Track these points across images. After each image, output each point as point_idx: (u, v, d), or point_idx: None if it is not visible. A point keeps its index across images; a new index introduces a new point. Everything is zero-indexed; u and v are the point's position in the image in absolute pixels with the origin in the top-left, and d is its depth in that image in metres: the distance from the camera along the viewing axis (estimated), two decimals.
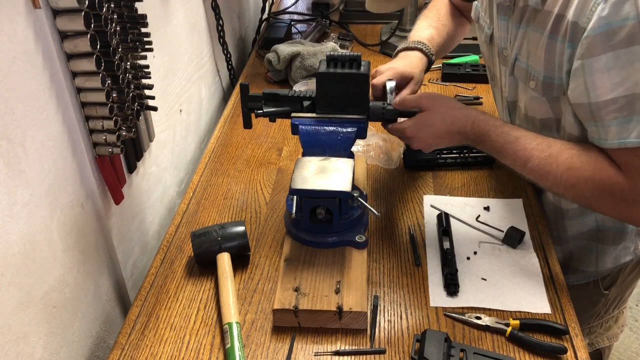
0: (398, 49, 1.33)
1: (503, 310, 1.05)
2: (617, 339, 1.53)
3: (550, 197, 1.31)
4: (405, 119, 1.14)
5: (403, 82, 1.22)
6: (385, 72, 1.22)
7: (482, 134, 1.08)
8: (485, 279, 1.10)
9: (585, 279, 1.38)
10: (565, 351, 0.97)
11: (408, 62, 1.27)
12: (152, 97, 1.21)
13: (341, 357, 0.98)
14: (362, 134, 1.15)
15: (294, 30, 2.15)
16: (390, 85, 1.16)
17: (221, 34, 1.83)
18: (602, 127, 0.99)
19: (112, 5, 1.00)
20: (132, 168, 1.21)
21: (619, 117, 0.96)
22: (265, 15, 2.23)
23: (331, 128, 1.14)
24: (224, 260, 1.11)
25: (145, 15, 1.10)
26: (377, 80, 1.21)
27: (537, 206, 1.28)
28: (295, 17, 2.28)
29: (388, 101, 1.16)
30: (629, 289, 1.46)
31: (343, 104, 1.14)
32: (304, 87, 1.67)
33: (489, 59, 1.35)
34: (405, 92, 1.21)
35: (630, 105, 0.94)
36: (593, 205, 1.04)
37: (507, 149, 1.06)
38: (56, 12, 0.90)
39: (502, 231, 1.20)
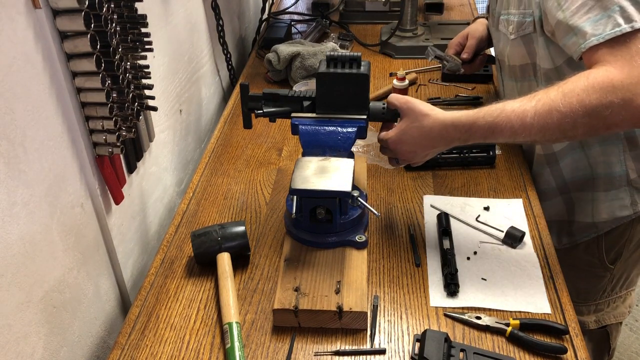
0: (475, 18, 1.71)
1: (503, 310, 1.05)
2: (624, 318, 1.58)
3: (540, 148, 1.39)
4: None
5: (466, 39, 1.60)
6: (457, 36, 1.62)
7: (468, 126, 1.06)
8: (485, 279, 1.10)
9: (587, 235, 1.43)
10: (565, 351, 0.97)
11: (472, 26, 1.63)
12: (152, 97, 1.21)
13: (341, 357, 0.98)
14: (362, 134, 1.15)
15: (294, 30, 2.15)
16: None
17: (221, 34, 1.83)
18: (580, 32, 1.06)
19: (112, 5, 1.00)
20: (132, 168, 1.21)
21: (591, 17, 1.04)
22: (265, 16, 2.23)
23: (331, 128, 1.14)
24: (224, 260, 1.11)
25: (145, 15, 1.10)
26: (452, 42, 1.60)
27: (537, 206, 1.28)
28: (295, 17, 2.28)
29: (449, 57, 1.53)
30: (636, 269, 1.49)
31: (343, 104, 1.14)
32: (304, 87, 1.67)
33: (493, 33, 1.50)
34: (469, 42, 1.57)
35: (599, 4, 1.03)
36: (607, 119, 0.99)
37: (499, 122, 1.03)
38: (56, 12, 0.90)
39: (502, 231, 1.20)
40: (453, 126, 1.07)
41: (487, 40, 1.59)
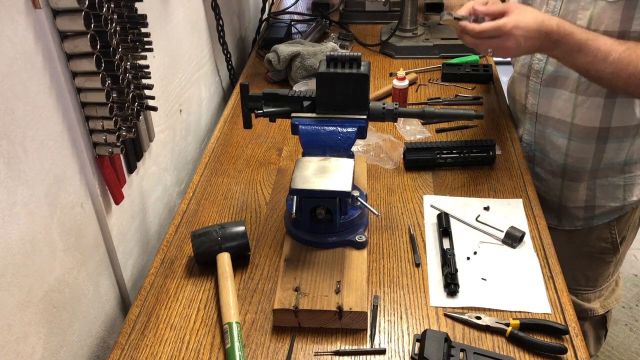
0: None
1: (503, 310, 1.05)
2: (620, 300, 1.65)
3: (598, 121, 1.35)
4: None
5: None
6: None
7: (567, 33, 1.16)
8: (485, 279, 1.10)
9: (609, 217, 1.48)
10: (565, 351, 0.97)
11: None
12: (152, 97, 1.21)
13: (341, 357, 0.98)
14: (362, 134, 1.15)
15: (294, 30, 2.15)
16: None
17: (221, 34, 1.83)
18: None
19: (112, 5, 1.00)
20: (132, 168, 1.21)
21: None
22: (265, 15, 2.23)
23: (331, 128, 1.14)
24: (224, 260, 1.11)
25: (145, 15, 1.10)
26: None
27: (537, 206, 1.28)
28: (295, 17, 2.28)
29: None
30: (627, 249, 1.57)
31: (343, 104, 1.14)
32: (304, 87, 1.67)
33: None
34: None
35: None
36: None
37: (589, 45, 1.15)
38: (56, 12, 0.90)
39: (502, 231, 1.20)
40: (557, 27, 1.17)
41: None
